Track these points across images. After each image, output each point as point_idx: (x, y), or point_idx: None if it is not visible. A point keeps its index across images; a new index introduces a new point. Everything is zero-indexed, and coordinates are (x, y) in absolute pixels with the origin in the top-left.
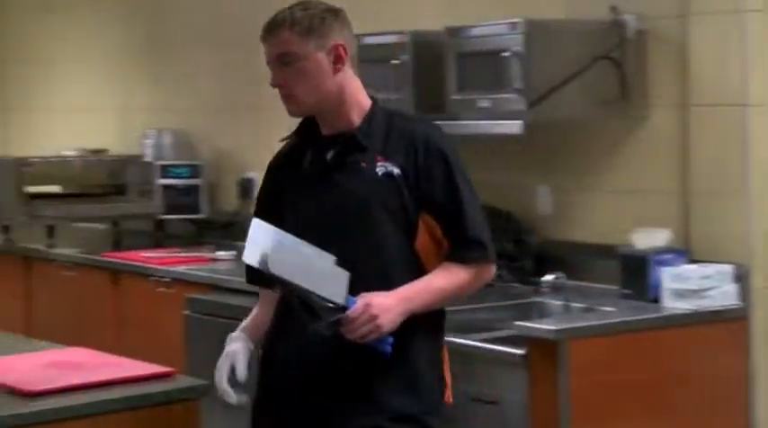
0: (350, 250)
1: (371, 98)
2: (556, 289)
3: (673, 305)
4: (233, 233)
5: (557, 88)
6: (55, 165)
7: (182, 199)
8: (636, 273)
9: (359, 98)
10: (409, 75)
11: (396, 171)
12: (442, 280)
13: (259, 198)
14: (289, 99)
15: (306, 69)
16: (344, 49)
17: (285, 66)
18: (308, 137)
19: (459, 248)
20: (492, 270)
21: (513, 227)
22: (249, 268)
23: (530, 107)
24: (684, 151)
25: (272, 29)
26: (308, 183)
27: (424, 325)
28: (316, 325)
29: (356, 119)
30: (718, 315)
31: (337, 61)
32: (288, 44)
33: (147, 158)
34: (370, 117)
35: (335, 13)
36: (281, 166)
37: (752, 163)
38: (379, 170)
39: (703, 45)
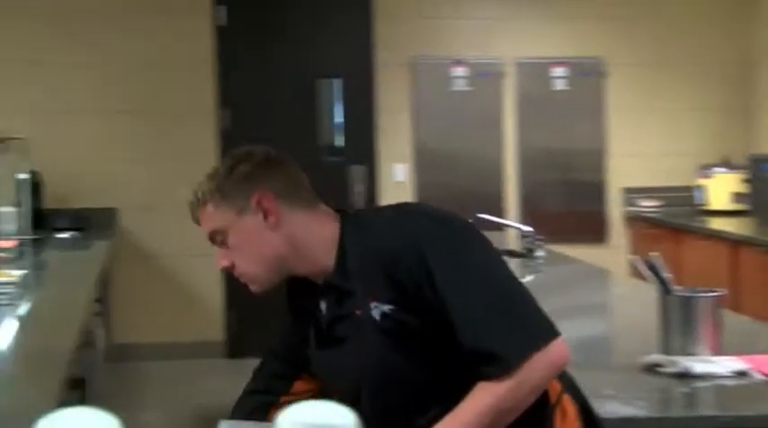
0: (379, 405)
1: (340, 213)
2: None
3: None
4: None
5: None
6: None
7: None
8: None
9: (320, 235)
10: None
11: (387, 308)
12: (465, 413)
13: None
14: (243, 278)
15: (239, 241)
16: (271, 197)
17: (222, 246)
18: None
19: (473, 363)
20: (541, 363)
21: None
22: None
23: None
24: None
25: (192, 211)
26: (316, 340)
27: None
28: None
29: (327, 259)
30: None
31: (267, 214)
32: (208, 222)
33: None
34: (341, 251)
35: (249, 158)
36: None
37: None
38: (375, 313)
39: None
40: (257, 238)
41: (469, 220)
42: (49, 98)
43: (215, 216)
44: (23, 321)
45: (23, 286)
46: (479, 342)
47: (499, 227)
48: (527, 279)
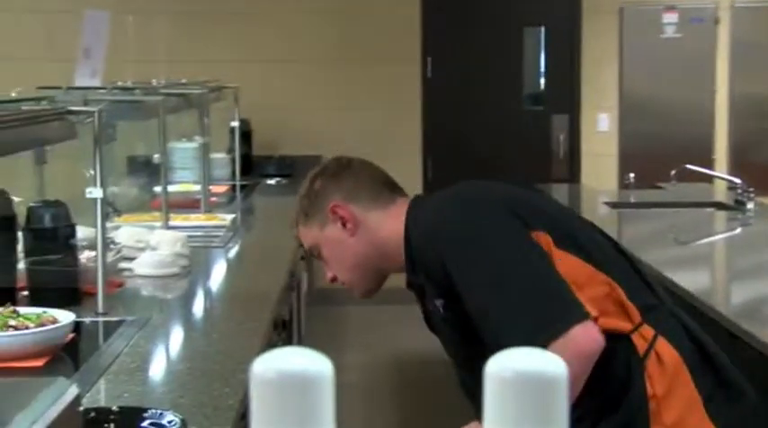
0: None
1: (408, 207)
2: None
3: None
4: None
5: None
6: None
7: None
8: None
9: (397, 230)
10: None
11: (440, 303)
12: None
13: None
14: (346, 286)
15: (329, 253)
16: (343, 204)
17: (321, 260)
18: None
19: None
20: (564, 350)
21: None
22: None
23: None
24: None
25: (292, 230)
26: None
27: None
28: None
29: (404, 258)
30: None
31: (345, 222)
32: (304, 241)
33: None
34: (408, 251)
35: (322, 172)
36: None
37: None
38: (439, 306)
39: None
40: (342, 247)
41: (501, 199)
42: (259, 48)
43: (306, 234)
44: (234, 263)
45: (233, 229)
46: (497, 340)
47: (707, 178)
48: (735, 232)
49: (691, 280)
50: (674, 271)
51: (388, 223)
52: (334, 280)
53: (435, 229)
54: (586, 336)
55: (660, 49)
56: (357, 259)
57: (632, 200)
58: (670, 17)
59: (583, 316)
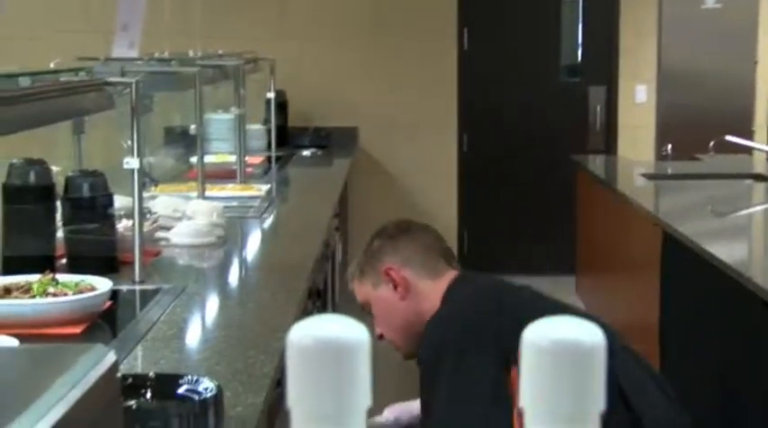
0: None
1: (447, 286)
2: None
3: None
4: None
5: None
6: None
7: None
8: None
9: (432, 311)
10: None
11: None
12: None
13: None
14: (391, 346)
15: (378, 312)
16: (397, 268)
17: (372, 317)
18: None
19: None
20: None
21: None
22: None
23: None
24: None
25: (350, 283)
26: None
27: None
28: None
29: None
30: None
31: (396, 285)
32: (358, 293)
33: None
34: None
35: (381, 233)
36: None
37: None
38: None
39: None
40: (391, 309)
41: (498, 328)
42: (295, 22)
43: (359, 290)
44: (269, 233)
45: (269, 200)
46: None
47: (746, 149)
48: None
49: (728, 253)
50: (711, 243)
51: (432, 296)
52: (381, 337)
53: (430, 337)
54: None
55: (700, 20)
56: (403, 322)
57: (670, 171)
58: None
59: None
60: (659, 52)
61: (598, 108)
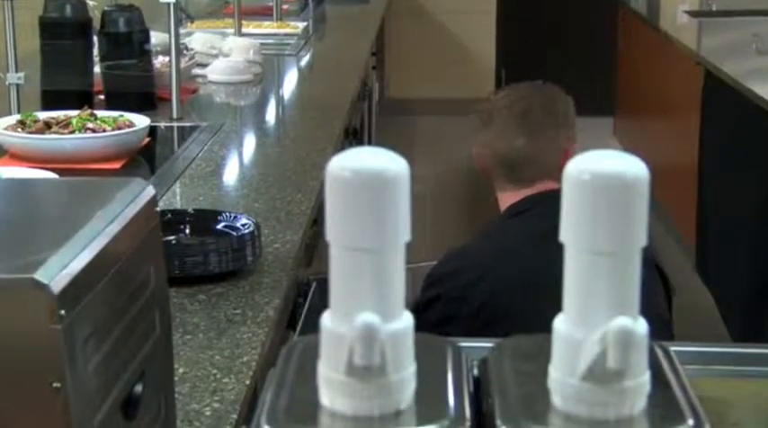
0: None
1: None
2: None
3: None
4: None
5: None
6: None
7: None
8: None
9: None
10: None
11: None
12: None
13: None
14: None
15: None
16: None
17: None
18: None
19: None
20: None
21: None
22: None
23: None
24: None
25: None
26: None
27: None
28: None
29: None
30: None
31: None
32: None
33: None
34: None
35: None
36: None
37: None
38: None
39: None
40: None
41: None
42: None
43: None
44: (305, 71)
45: (305, 38)
46: None
47: None
48: None
49: None
50: (753, 81)
51: (505, 200)
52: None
53: (440, 271)
54: None
55: None
56: (495, 183)
57: (714, 8)
58: None
59: None
60: None
61: None
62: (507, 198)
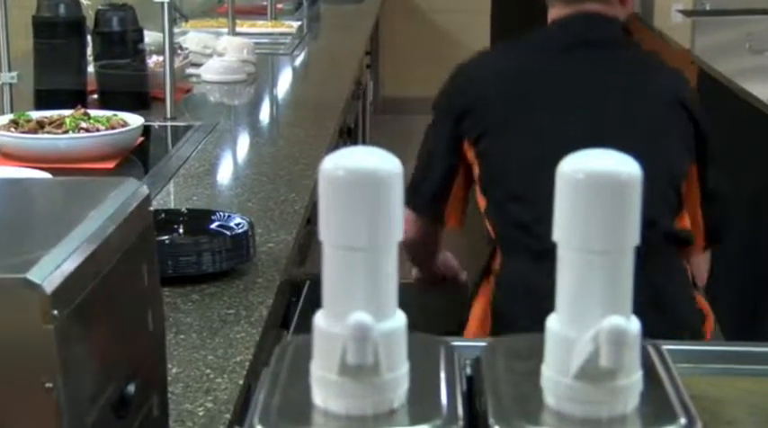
0: None
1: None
2: None
3: None
4: None
5: None
6: None
7: None
8: None
9: None
10: None
11: None
12: None
13: None
14: None
15: None
16: None
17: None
18: None
19: None
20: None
21: None
22: None
23: None
24: None
25: None
26: None
27: None
28: None
29: None
30: None
31: None
32: None
33: None
34: None
35: None
36: None
37: None
38: None
39: None
40: None
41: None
42: None
43: None
44: (300, 70)
45: (300, 37)
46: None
47: None
48: None
49: (764, 91)
50: (746, 80)
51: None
52: None
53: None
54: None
55: None
56: None
57: (708, 7)
58: None
59: (415, 204)
60: None
61: None
62: (553, 13)
